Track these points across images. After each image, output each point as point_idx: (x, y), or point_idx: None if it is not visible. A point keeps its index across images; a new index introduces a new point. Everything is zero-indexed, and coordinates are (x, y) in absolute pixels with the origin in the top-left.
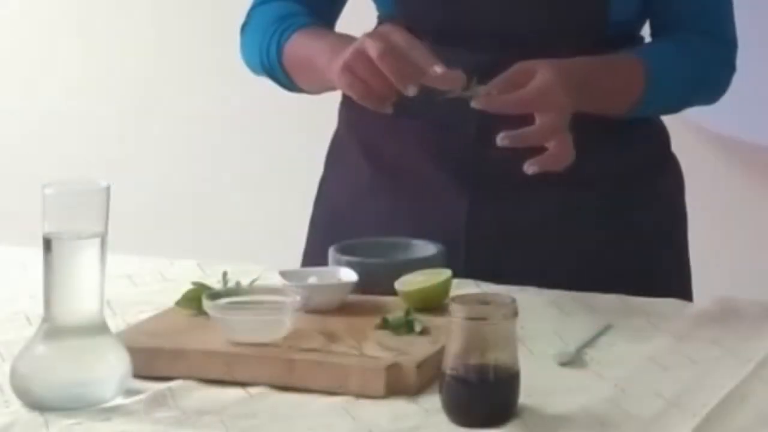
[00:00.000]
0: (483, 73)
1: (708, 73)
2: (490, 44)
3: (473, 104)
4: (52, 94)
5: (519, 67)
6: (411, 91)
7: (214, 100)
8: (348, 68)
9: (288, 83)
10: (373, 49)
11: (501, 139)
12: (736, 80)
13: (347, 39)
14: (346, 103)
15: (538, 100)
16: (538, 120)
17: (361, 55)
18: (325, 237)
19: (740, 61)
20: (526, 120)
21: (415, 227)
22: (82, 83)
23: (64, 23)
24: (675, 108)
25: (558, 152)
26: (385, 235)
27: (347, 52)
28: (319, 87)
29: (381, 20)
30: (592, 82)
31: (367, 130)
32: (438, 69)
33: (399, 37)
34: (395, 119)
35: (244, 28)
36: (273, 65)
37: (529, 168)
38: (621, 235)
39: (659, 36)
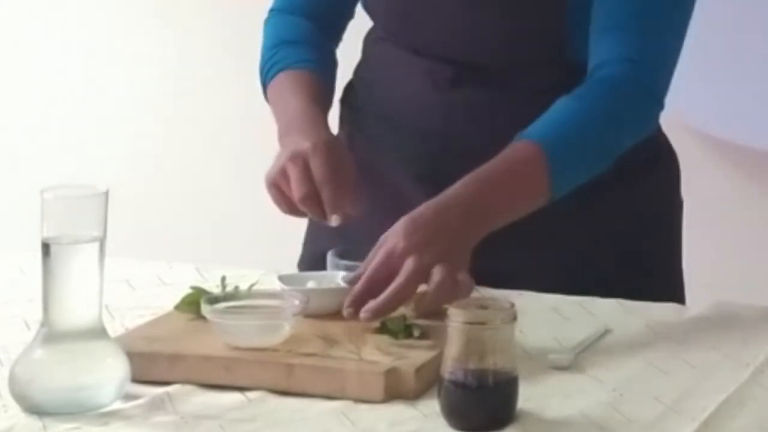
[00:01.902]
0: (455, 82)
1: (624, 128)
2: (453, 64)
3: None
4: (50, 99)
5: (371, 255)
6: (334, 221)
7: (212, 104)
8: (274, 185)
9: None
10: (294, 183)
11: (363, 316)
12: (735, 85)
13: (305, 114)
14: (343, 106)
15: (386, 263)
16: (396, 277)
17: (284, 175)
18: (320, 231)
19: (739, 65)
20: (486, 128)
21: (390, 227)
22: (81, 88)
23: (64, 27)
24: (596, 172)
25: (439, 287)
26: (367, 232)
27: (273, 169)
28: None
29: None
30: (484, 202)
31: (354, 133)
32: (334, 222)
33: (317, 165)
34: (376, 124)
35: (266, 23)
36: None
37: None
38: (600, 234)
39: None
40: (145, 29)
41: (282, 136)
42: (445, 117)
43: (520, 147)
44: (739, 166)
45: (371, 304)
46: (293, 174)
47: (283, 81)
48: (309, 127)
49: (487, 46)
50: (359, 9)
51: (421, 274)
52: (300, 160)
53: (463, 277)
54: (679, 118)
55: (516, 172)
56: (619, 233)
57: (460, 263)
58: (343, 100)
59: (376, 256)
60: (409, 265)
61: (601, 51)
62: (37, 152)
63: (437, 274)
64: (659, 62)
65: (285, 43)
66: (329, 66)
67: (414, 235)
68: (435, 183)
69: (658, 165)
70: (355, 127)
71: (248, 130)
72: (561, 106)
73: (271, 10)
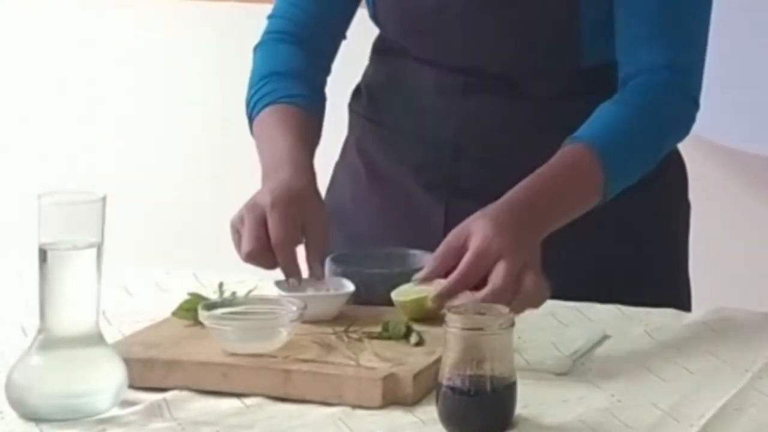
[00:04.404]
0: (467, 91)
1: (668, 129)
2: (465, 73)
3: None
4: (49, 104)
5: (451, 236)
6: (291, 284)
7: (210, 109)
8: (235, 230)
9: None
10: (244, 237)
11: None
12: (736, 90)
13: (288, 156)
14: (351, 111)
15: (479, 263)
16: (490, 279)
17: (242, 223)
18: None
19: (740, 70)
20: (499, 136)
21: (401, 233)
22: (80, 93)
23: (64, 32)
24: (644, 171)
25: (529, 293)
26: (377, 237)
27: (237, 213)
28: None
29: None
30: (545, 205)
31: (364, 139)
32: (292, 284)
33: (274, 222)
34: (385, 131)
35: (257, 48)
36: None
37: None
38: (612, 243)
39: (622, 71)
40: (145, 32)
41: (263, 178)
42: (457, 125)
43: (572, 150)
44: (742, 173)
45: (470, 302)
46: (247, 226)
47: (270, 116)
48: (284, 173)
49: (501, 55)
50: (360, 15)
51: (514, 278)
52: (258, 210)
53: (543, 281)
54: None
55: (571, 175)
56: (623, 239)
57: (538, 265)
58: (352, 106)
59: (468, 256)
60: (504, 269)
61: (636, 59)
62: (34, 157)
63: (529, 281)
64: (693, 66)
65: (274, 75)
66: (318, 101)
67: (501, 238)
68: (447, 191)
69: (667, 171)
70: (365, 133)
71: (247, 137)
72: (605, 112)
73: (265, 33)
